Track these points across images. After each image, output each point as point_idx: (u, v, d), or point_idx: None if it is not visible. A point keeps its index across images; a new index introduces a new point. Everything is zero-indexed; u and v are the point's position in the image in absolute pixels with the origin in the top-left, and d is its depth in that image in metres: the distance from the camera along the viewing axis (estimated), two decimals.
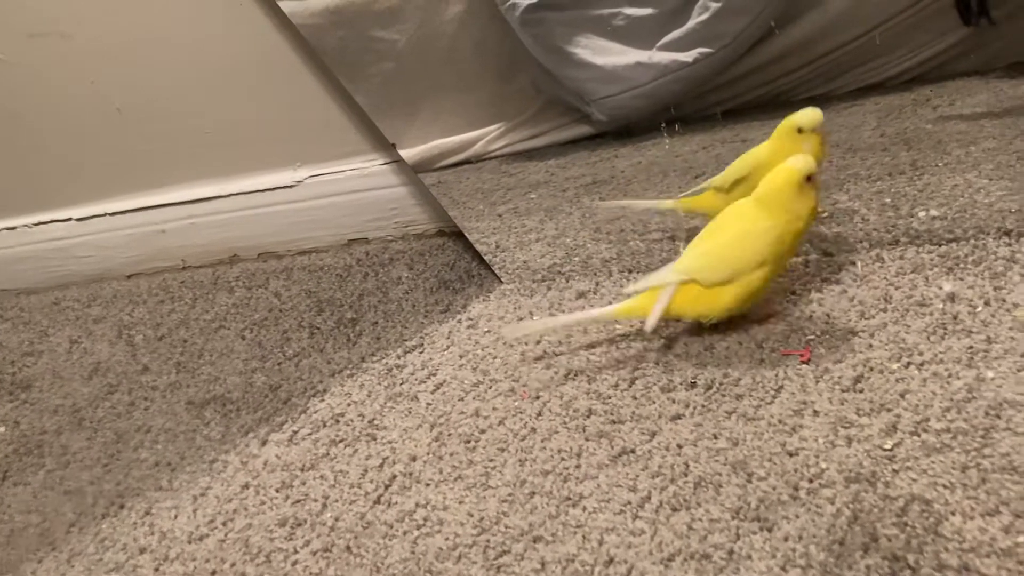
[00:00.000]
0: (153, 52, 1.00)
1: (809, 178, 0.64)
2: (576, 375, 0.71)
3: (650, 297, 0.69)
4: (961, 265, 0.69)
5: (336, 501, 0.65)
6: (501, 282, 0.90)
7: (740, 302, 0.67)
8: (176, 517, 0.69)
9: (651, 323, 0.67)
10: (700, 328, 0.71)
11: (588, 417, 0.65)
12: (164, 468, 0.76)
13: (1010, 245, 0.69)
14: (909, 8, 0.88)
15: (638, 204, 0.87)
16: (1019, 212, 0.72)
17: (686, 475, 0.57)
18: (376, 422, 0.73)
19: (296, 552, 0.62)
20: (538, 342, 0.77)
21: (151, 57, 1.00)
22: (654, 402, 0.65)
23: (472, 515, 0.60)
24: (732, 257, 0.66)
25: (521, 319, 0.81)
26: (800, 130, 0.70)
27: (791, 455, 0.56)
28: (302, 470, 0.70)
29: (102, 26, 0.99)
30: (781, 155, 0.69)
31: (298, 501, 0.67)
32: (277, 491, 0.69)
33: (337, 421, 0.74)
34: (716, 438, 0.59)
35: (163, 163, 1.09)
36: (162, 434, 0.82)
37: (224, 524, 0.67)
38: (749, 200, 0.68)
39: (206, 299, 1.06)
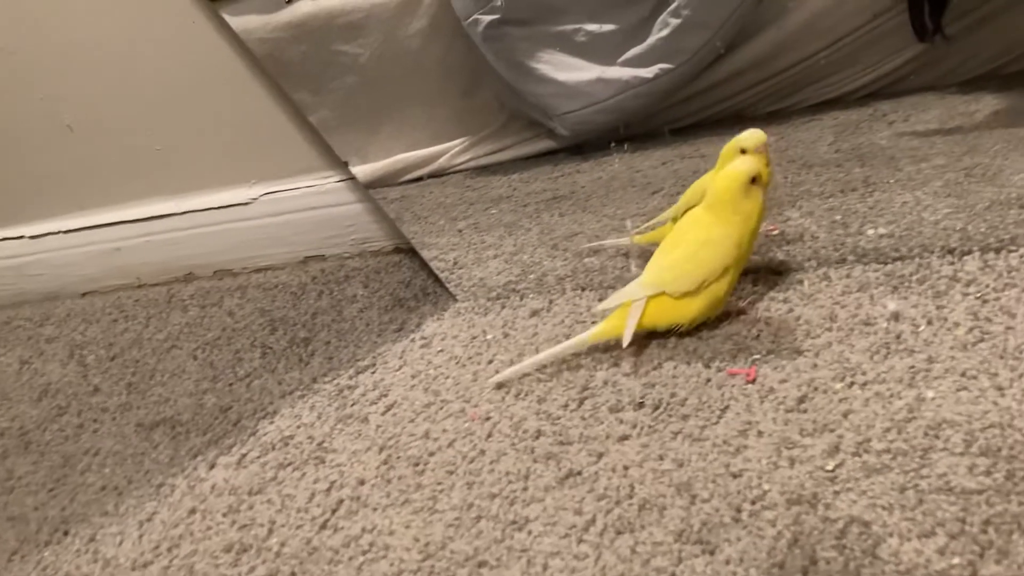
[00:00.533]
0: (104, 69, 0.99)
1: (753, 180, 0.67)
2: (527, 395, 0.70)
3: (621, 316, 0.70)
4: (906, 284, 0.69)
5: (282, 526, 0.65)
6: (456, 300, 0.89)
7: (709, 309, 0.69)
8: (121, 543, 0.68)
9: (627, 339, 0.69)
10: (649, 347, 0.71)
11: (537, 438, 0.65)
12: (111, 493, 0.75)
13: (953, 264, 0.70)
14: (866, 25, 0.88)
15: (609, 243, 0.88)
16: (963, 231, 0.72)
17: (631, 497, 0.57)
18: (325, 445, 0.72)
19: None
20: (490, 361, 0.76)
21: (102, 74, 0.99)
22: (602, 422, 0.64)
23: (418, 540, 0.59)
24: (699, 267, 0.68)
25: (475, 337, 0.81)
26: (743, 151, 0.71)
27: (735, 476, 0.56)
28: (249, 494, 0.69)
29: (50, 43, 0.98)
30: None
31: (244, 526, 0.66)
32: (224, 516, 0.68)
33: (286, 444, 0.74)
34: (662, 459, 0.59)
35: (117, 180, 1.08)
36: (110, 457, 0.80)
37: (169, 550, 0.66)
38: (701, 208, 0.70)
39: (160, 318, 1.05)
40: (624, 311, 0.70)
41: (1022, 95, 0.89)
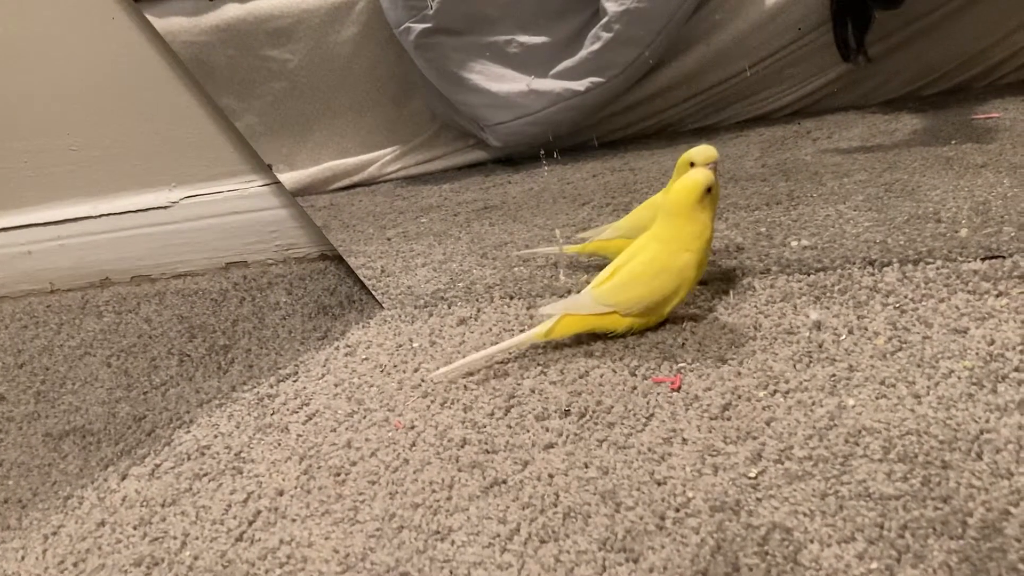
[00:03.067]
0: (15, 63, 0.95)
1: (708, 190, 0.67)
2: (452, 403, 0.69)
3: (566, 319, 0.71)
4: (828, 294, 0.70)
5: (196, 538, 0.62)
6: (382, 308, 0.88)
7: (648, 324, 0.71)
8: (23, 559, 0.65)
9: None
10: (576, 355, 0.71)
11: (462, 447, 0.64)
12: (14, 505, 0.71)
13: (873, 275, 0.71)
14: (791, 44, 0.90)
15: (542, 251, 0.87)
16: (883, 243, 0.74)
17: (556, 506, 0.56)
18: (243, 455, 0.70)
19: None
20: (416, 370, 0.75)
21: (13, 68, 0.95)
22: (528, 431, 0.64)
23: (337, 552, 0.57)
24: (653, 293, 0.68)
25: (401, 345, 0.80)
26: (692, 164, 0.72)
27: (659, 484, 0.56)
28: (162, 506, 0.66)
29: None
30: None
31: (156, 539, 0.63)
32: (135, 529, 0.65)
33: (202, 454, 0.71)
34: (587, 467, 0.59)
35: (29, 181, 1.04)
36: (14, 468, 0.76)
37: (75, 565, 0.63)
38: (661, 226, 0.70)
39: (72, 324, 1.01)
40: (570, 313, 0.71)
41: (939, 115, 0.92)
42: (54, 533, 0.66)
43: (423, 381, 0.73)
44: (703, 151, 0.73)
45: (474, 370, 0.73)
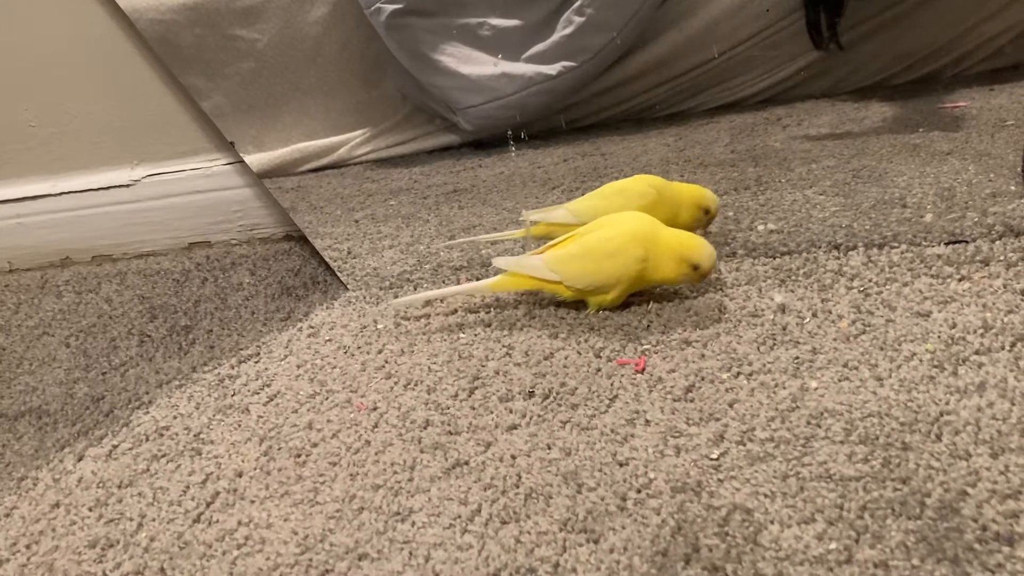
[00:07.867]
0: None
1: (695, 267, 0.68)
2: (416, 385, 0.68)
3: (520, 276, 0.73)
4: (793, 277, 0.70)
5: (153, 520, 0.61)
6: (347, 289, 0.87)
7: (596, 302, 0.71)
8: None
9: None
10: (540, 336, 0.70)
11: (425, 428, 0.63)
12: None
13: (838, 259, 0.71)
14: (763, 31, 0.90)
15: (485, 237, 0.87)
16: (848, 227, 0.74)
17: (518, 487, 0.56)
18: (203, 436, 0.68)
19: (105, 575, 0.57)
20: (380, 351, 0.74)
21: None
22: (492, 412, 0.63)
23: (296, 533, 0.57)
24: (600, 272, 0.69)
25: (365, 327, 0.79)
26: (707, 211, 0.76)
27: (621, 465, 0.55)
28: (119, 487, 0.65)
29: None
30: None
31: (112, 520, 0.62)
32: (90, 510, 0.64)
33: (161, 435, 0.70)
34: (550, 448, 0.58)
35: None
36: None
37: (28, 547, 0.61)
38: (642, 219, 0.70)
39: (31, 304, 0.99)
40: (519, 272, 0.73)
41: (908, 104, 0.92)
42: (7, 515, 0.65)
43: (387, 362, 0.72)
44: (715, 201, 0.76)
45: (432, 301, 0.80)
